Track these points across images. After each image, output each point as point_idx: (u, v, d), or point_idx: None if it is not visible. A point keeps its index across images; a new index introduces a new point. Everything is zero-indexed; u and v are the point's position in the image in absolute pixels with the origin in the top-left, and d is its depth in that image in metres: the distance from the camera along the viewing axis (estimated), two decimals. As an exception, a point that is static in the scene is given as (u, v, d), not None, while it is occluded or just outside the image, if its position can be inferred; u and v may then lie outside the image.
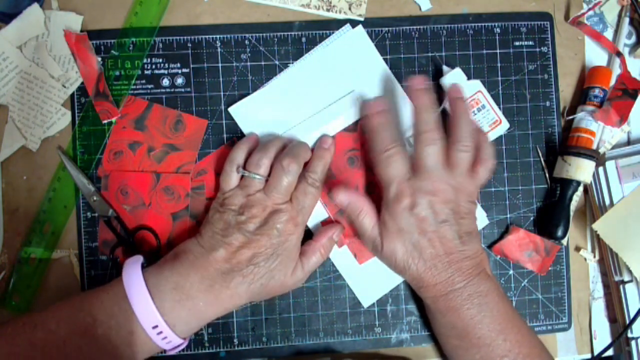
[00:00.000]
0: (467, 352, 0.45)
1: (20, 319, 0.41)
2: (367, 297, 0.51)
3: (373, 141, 0.46)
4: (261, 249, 0.44)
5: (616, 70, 0.53)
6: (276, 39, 0.50)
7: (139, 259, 0.44)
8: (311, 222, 0.50)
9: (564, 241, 0.52)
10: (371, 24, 0.51)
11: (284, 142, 0.48)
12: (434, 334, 0.51)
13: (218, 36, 0.50)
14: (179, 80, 0.50)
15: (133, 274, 0.42)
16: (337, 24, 0.51)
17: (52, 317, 0.41)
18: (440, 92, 0.51)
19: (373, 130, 0.46)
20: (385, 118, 0.46)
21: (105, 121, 0.49)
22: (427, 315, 0.49)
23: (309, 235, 0.50)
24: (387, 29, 0.51)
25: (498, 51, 0.52)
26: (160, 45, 0.50)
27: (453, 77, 0.49)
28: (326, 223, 0.50)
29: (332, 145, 0.49)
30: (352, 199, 0.47)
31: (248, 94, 0.50)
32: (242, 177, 0.45)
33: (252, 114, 0.50)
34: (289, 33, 0.50)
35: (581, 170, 0.49)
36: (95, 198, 0.48)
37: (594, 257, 0.53)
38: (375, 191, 0.50)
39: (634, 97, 0.50)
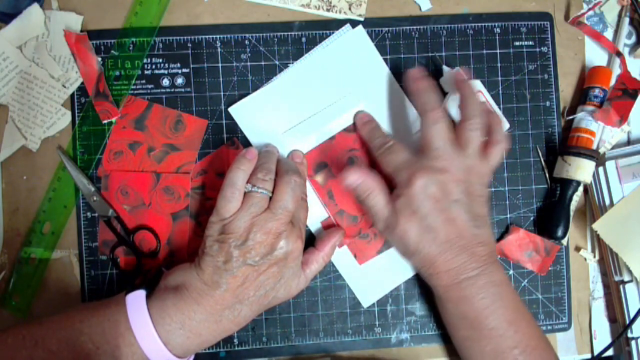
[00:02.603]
0: (477, 344, 0.44)
1: (20, 330, 0.41)
2: (367, 297, 0.51)
3: (369, 143, 0.49)
4: (269, 278, 0.43)
5: (616, 70, 0.53)
6: (276, 39, 0.50)
7: (142, 296, 0.42)
8: (311, 223, 0.50)
9: (564, 241, 0.52)
10: (371, 24, 0.51)
11: (277, 156, 0.47)
12: (437, 331, 0.51)
13: (218, 36, 0.50)
14: (179, 80, 0.50)
15: (140, 314, 0.41)
16: (337, 24, 0.51)
17: (53, 336, 0.40)
18: (440, 92, 0.51)
19: (366, 136, 0.49)
20: (374, 122, 0.50)
21: (105, 121, 0.49)
22: (436, 306, 0.48)
23: (309, 236, 0.50)
24: (387, 29, 0.51)
25: (498, 51, 0.52)
26: (160, 45, 0.50)
27: (453, 77, 0.49)
28: (326, 223, 0.50)
29: (304, 158, 0.50)
30: (364, 178, 0.46)
31: (248, 94, 0.50)
32: (245, 197, 0.43)
33: (252, 114, 0.50)
34: (289, 33, 0.50)
35: (581, 170, 0.49)
36: (95, 198, 0.48)
37: (594, 257, 0.53)
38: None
39: (634, 97, 0.50)
